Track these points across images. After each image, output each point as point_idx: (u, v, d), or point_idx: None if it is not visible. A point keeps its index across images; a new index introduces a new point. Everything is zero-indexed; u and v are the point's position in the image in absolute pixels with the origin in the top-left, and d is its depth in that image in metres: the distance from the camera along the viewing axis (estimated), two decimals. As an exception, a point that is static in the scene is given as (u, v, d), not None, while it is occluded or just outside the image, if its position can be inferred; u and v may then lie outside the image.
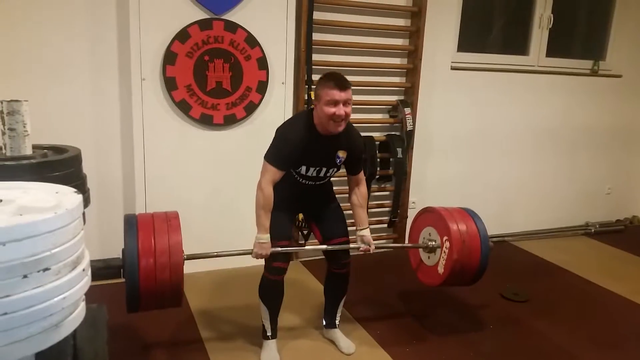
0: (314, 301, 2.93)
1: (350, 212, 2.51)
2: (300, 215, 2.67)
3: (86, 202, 1.88)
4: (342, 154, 2.34)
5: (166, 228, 1.98)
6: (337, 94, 2.14)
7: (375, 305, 3.07)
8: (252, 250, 2.29)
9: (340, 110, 2.15)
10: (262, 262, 2.39)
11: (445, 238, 2.55)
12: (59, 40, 2.91)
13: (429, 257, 2.69)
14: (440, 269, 2.57)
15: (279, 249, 2.33)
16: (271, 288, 2.44)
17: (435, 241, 2.63)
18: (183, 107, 3.10)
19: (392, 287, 3.33)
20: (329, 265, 2.57)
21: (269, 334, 2.50)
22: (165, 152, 3.16)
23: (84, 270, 1.21)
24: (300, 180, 2.37)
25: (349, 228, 2.53)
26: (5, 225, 1.01)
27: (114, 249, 3.24)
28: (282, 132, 2.31)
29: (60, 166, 1.76)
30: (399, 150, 3.74)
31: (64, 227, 1.12)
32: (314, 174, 2.34)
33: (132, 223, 1.99)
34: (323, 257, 2.59)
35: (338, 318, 2.65)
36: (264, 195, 2.25)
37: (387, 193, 3.93)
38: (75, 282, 1.17)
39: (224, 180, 3.34)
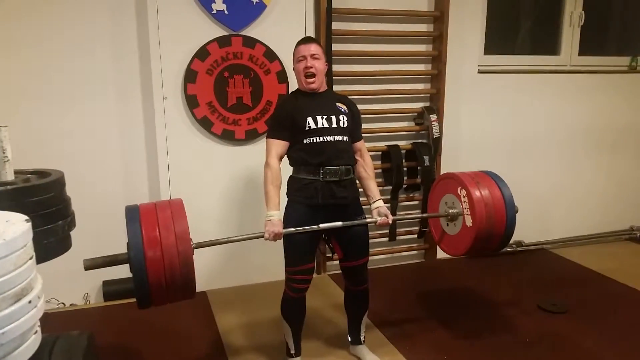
0: (341, 316, 2.86)
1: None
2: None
3: (70, 225, 1.88)
4: (341, 105, 2.36)
5: (170, 216, 1.88)
6: (303, 48, 2.29)
7: (404, 319, 2.97)
8: (264, 231, 2.18)
9: (308, 62, 2.26)
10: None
11: (466, 203, 2.41)
12: (82, 62, 2.98)
13: (450, 225, 2.56)
14: (464, 236, 2.43)
15: (292, 229, 2.21)
16: (293, 305, 2.40)
17: (456, 208, 2.50)
18: (205, 124, 3.12)
19: (421, 299, 3.24)
20: (347, 283, 2.50)
21: (292, 351, 2.45)
22: (189, 168, 3.18)
23: (30, 302, 1.16)
24: (317, 138, 2.24)
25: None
26: None
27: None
28: (276, 106, 2.45)
29: (39, 191, 1.76)
30: (426, 158, 3.65)
31: (1, 258, 1.08)
32: (326, 124, 2.26)
33: (134, 213, 1.90)
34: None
35: (363, 334, 2.57)
36: (271, 170, 2.25)
37: (415, 203, 3.83)
38: (19, 315, 1.12)
39: (247, 194, 3.33)
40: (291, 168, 2.36)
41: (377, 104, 3.57)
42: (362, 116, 3.28)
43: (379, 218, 2.35)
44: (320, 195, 2.25)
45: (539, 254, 4.00)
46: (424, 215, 3.24)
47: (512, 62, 3.97)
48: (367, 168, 2.43)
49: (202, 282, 3.07)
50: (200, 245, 2.05)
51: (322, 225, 2.25)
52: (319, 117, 2.26)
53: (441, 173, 3.76)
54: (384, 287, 3.32)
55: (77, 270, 1.95)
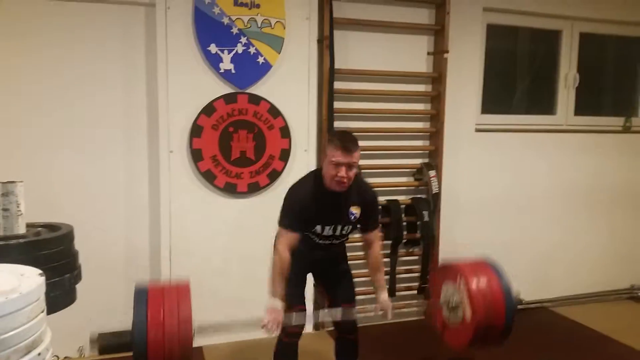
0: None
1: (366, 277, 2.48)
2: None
3: (76, 278, 1.93)
4: (355, 210, 2.33)
5: (176, 300, 1.97)
6: (342, 157, 2.16)
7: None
8: (264, 319, 2.18)
9: (342, 172, 2.16)
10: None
11: (465, 294, 2.41)
12: (92, 117, 3.08)
13: (452, 316, 2.55)
14: (465, 328, 2.42)
15: (293, 315, 2.26)
16: (285, 351, 2.43)
17: (456, 298, 2.48)
18: (208, 177, 3.19)
19: (420, 358, 3.18)
20: (338, 330, 2.56)
21: None
22: (190, 220, 3.22)
23: (39, 354, 1.19)
24: (318, 241, 2.36)
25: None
26: None
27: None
28: (291, 192, 2.33)
29: (49, 245, 1.83)
30: (425, 213, 3.69)
31: (16, 311, 1.12)
32: (330, 232, 2.33)
33: (142, 295, 1.99)
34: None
35: None
36: (282, 259, 2.22)
37: (415, 258, 3.83)
38: None
39: (247, 247, 3.35)
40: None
41: (377, 160, 3.65)
42: (363, 171, 3.39)
43: (380, 312, 2.38)
44: (309, 266, 2.50)
45: (538, 313, 3.96)
46: (424, 305, 3.25)
47: (509, 121, 4.08)
48: (376, 260, 2.46)
49: (198, 338, 3.05)
50: (201, 330, 2.18)
51: None
52: (326, 227, 2.33)
53: (440, 228, 3.80)
54: (381, 345, 3.27)
55: (73, 322, 1.97)
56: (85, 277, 2.24)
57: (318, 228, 2.31)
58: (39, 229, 2.01)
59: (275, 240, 2.32)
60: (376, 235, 2.45)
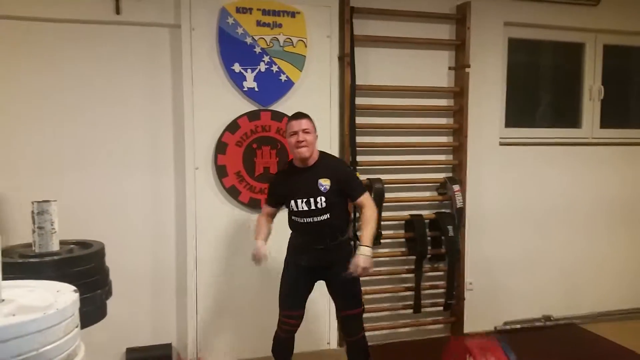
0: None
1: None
2: None
3: (107, 294, 1.98)
4: (324, 182, 2.60)
5: None
6: (295, 124, 2.59)
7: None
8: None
9: (300, 136, 2.55)
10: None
11: None
12: (119, 135, 3.17)
13: None
14: None
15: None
16: (281, 343, 2.75)
17: None
18: (232, 193, 3.24)
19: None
20: (345, 335, 2.85)
21: None
22: (215, 235, 3.27)
23: None
24: (300, 220, 2.63)
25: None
26: None
27: (166, 333, 3.33)
28: (270, 177, 2.88)
29: (81, 262, 1.89)
30: (450, 228, 3.65)
31: (53, 326, 1.16)
32: (305, 207, 2.59)
33: None
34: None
35: None
36: (259, 219, 2.79)
37: (440, 274, 3.79)
38: None
39: (271, 262, 3.36)
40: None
41: (400, 174, 3.65)
42: (385, 185, 3.40)
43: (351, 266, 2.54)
44: (306, 258, 2.68)
45: (569, 330, 3.85)
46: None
47: (533, 135, 4.05)
48: (364, 217, 2.61)
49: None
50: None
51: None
52: (299, 201, 2.60)
53: (465, 243, 3.76)
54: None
55: (103, 337, 2.00)
56: (115, 293, 2.29)
57: (292, 204, 2.61)
58: (72, 246, 2.06)
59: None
60: (365, 199, 2.66)
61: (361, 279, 2.88)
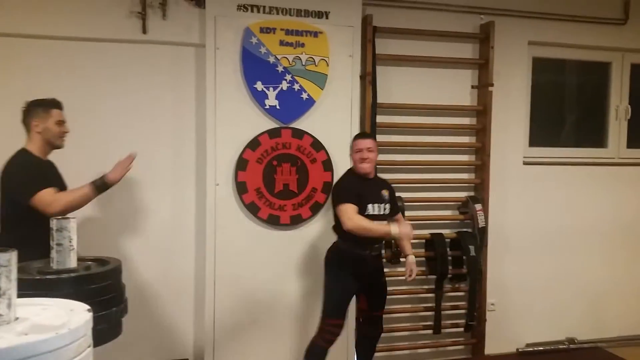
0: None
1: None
2: None
3: (123, 311, 1.98)
4: (385, 192, 2.96)
5: None
6: (361, 143, 2.90)
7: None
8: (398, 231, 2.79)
9: (364, 154, 2.86)
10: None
11: None
12: (142, 150, 3.16)
13: None
14: None
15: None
16: (319, 354, 2.91)
17: None
18: (252, 209, 3.26)
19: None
20: (368, 332, 3.15)
21: None
22: (234, 251, 3.27)
23: None
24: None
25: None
26: (6, 346, 1.07)
27: (185, 348, 3.35)
28: (340, 183, 2.98)
29: (97, 279, 1.89)
30: (472, 248, 3.60)
31: (64, 346, 1.16)
32: (376, 212, 2.86)
33: None
34: None
35: None
36: (358, 218, 2.76)
37: (461, 294, 3.74)
38: None
39: (289, 279, 3.37)
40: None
41: (421, 192, 3.63)
42: (405, 204, 3.41)
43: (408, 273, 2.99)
44: (367, 265, 2.92)
45: (593, 353, 3.75)
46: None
47: (558, 154, 3.99)
48: None
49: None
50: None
51: None
52: (375, 205, 2.87)
53: (487, 263, 3.70)
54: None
55: (116, 354, 2.01)
56: (133, 308, 2.31)
57: (370, 207, 2.83)
58: (89, 263, 2.08)
59: (342, 218, 2.78)
60: (400, 216, 3.16)
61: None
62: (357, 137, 3.00)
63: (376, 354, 3.27)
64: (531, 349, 3.90)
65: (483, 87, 3.66)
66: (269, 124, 3.28)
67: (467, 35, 3.67)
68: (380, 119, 3.47)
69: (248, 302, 3.30)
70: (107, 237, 3.14)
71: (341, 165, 3.40)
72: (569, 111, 4.19)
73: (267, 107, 3.24)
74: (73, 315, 1.30)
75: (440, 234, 3.64)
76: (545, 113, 4.04)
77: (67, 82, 3.09)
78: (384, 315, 3.19)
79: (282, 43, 3.24)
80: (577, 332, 3.96)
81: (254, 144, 3.24)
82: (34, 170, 2.48)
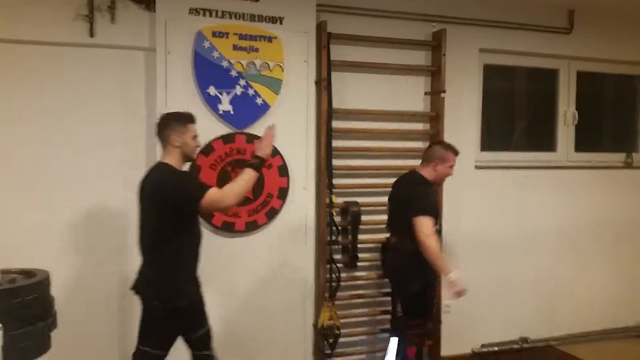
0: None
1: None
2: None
3: (50, 326, 1.89)
4: None
5: None
6: (455, 160, 3.01)
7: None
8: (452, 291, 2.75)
9: (452, 171, 3.03)
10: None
11: None
12: (89, 157, 3.14)
13: None
14: None
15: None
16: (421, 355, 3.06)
17: None
18: (205, 216, 3.19)
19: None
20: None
21: None
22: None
23: None
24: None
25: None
26: None
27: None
28: (426, 191, 2.95)
29: (22, 293, 1.80)
30: (426, 251, 3.65)
31: None
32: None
33: None
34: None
35: None
36: (436, 240, 2.76)
37: (417, 296, 3.78)
38: None
39: (245, 286, 3.33)
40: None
41: (375, 197, 3.64)
42: (362, 208, 3.44)
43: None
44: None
45: (546, 351, 3.87)
46: None
47: (509, 159, 4.09)
48: None
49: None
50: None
51: None
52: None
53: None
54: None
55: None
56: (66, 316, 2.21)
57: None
58: (15, 276, 1.97)
59: (422, 229, 2.74)
60: None
61: (336, 303, 3.38)
62: (454, 151, 3.02)
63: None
64: (486, 350, 3.98)
65: (436, 93, 3.72)
66: (223, 129, 3.24)
67: (420, 42, 3.73)
68: (336, 124, 3.48)
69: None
70: (50, 247, 3.01)
71: (297, 170, 3.41)
72: (519, 117, 4.31)
73: (221, 112, 3.21)
74: None
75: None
76: (497, 118, 4.15)
77: (8, 85, 2.97)
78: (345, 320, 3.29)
79: (235, 47, 3.22)
80: (530, 331, 4.07)
81: (207, 149, 3.19)
82: (193, 176, 2.80)
